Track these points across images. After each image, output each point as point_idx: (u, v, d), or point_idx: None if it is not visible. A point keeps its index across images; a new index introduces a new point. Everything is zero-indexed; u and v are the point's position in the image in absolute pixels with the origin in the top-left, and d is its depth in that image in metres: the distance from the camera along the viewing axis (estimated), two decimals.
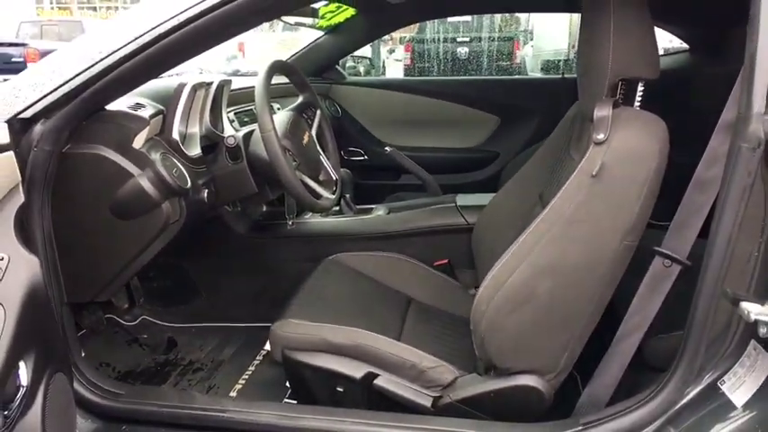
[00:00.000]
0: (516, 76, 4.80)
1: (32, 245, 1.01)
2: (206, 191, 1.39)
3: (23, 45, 9.17)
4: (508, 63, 7.53)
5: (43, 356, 0.90)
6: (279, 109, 2.08)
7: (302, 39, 2.67)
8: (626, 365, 1.10)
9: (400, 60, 8.52)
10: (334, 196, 1.55)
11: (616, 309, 1.10)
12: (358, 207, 1.96)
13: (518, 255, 1.06)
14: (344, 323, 1.29)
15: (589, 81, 1.10)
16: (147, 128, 1.21)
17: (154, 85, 1.43)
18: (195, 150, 1.43)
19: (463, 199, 1.82)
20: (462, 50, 7.75)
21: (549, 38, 8.47)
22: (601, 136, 0.99)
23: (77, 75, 1.08)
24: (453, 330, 1.45)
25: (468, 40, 7.81)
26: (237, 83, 1.84)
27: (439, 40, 7.72)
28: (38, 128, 1.11)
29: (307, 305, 1.39)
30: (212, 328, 1.85)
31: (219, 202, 1.49)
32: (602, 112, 1.01)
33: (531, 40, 8.65)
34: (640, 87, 1.08)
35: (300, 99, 1.62)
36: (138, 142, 1.21)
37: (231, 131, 1.64)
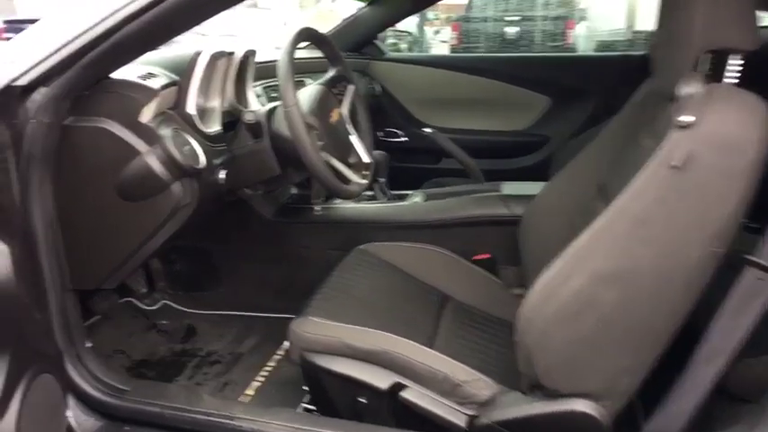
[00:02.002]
0: (570, 54, 4.48)
1: (4, 232, 0.90)
2: (223, 171, 1.26)
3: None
4: (560, 43, 7.19)
5: (17, 359, 0.79)
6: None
7: (342, 12, 2.51)
8: (703, 396, 0.92)
9: (446, 41, 8.26)
10: (364, 182, 1.40)
11: (694, 327, 0.92)
12: (393, 192, 1.81)
13: (575, 258, 0.89)
14: (371, 323, 1.15)
15: (670, 53, 0.92)
16: (156, 100, 1.09)
17: (171, 53, 1.30)
18: (214, 127, 1.30)
19: (509, 187, 1.64)
20: (512, 30, 7.44)
21: (605, 17, 8.05)
22: (687, 118, 0.80)
23: (76, 37, 0.96)
24: (493, 335, 1.29)
25: (518, 18, 7.49)
26: (268, 54, 1.70)
27: (488, 19, 7.43)
28: (35, 97, 1.00)
29: (330, 301, 1.25)
30: (233, 317, 1.74)
31: (238, 184, 1.36)
32: (690, 89, 0.82)
33: (585, 19, 8.25)
34: (735, 61, 0.89)
35: (331, 72, 1.47)
36: (147, 116, 1.09)
37: (257, 107, 1.51)
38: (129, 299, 1.70)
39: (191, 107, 1.21)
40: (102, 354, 1.50)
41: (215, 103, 1.34)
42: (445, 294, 1.42)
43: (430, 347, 1.14)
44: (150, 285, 1.74)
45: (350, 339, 1.10)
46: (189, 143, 1.14)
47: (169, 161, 1.08)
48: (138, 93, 1.08)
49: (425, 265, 1.47)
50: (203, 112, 1.32)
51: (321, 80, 1.43)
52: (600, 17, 8.16)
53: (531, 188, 1.55)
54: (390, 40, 3.22)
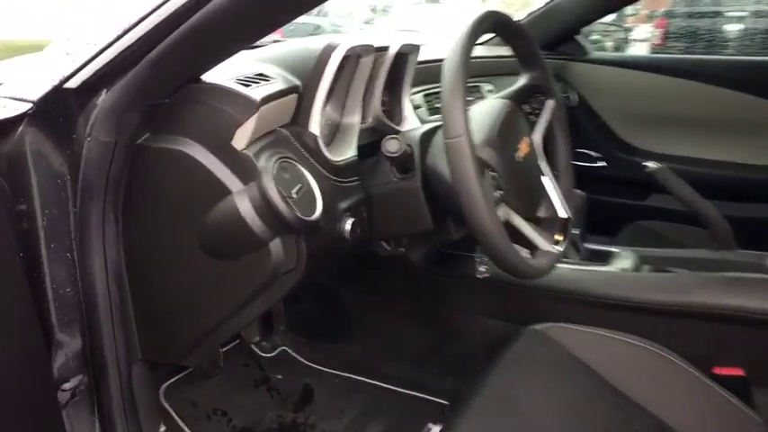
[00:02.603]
0: None
1: None
2: (350, 220, 0.87)
3: None
4: None
5: None
6: (490, 92, 1.49)
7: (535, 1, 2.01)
8: None
9: (643, 40, 7.20)
10: (558, 250, 0.91)
11: None
12: (588, 247, 1.31)
13: None
14: None
15: None
16: (256, 116, 0.73)
17: (301, 46, 0.95)
18: (347, 152, 0.92)
19: None
20: (734, 29, 6.22)
21: None
22: None
23: (140, 20, 0.63)
24: None
25: (744, 14, 6.23)
26: (436, 51, 1.28)
27: (704, 14, 6.29)
28: (93, 105, 0.70)
29: (486, 419, 0.82)
30: (361, 384, 1.38)
31: (372, 238, 0.97)
32: None
33: None
34: None
35: (523, 80, 1.00)
36: (242, 139, 0.73)
37: (414, 124, 1.11)
38: (243, 339, 1.42)
39: (314, 125, 0.84)
40: (197, 414, 1.23)
41: (353, 119, 0.96)
42: (664, 425, 0.91)
43: None
44: (268, 327, 1.44)
45: None
46: (303, 181, 0.77)
47: (267, 209, 0.72)
48: (232, 105, 0.73)
49: (636, 372, 0.96)
50: (335, 131, 0.95)
51: (507, 91, 0.97)
52: None
53: None
54: (595, 37, 2.58)
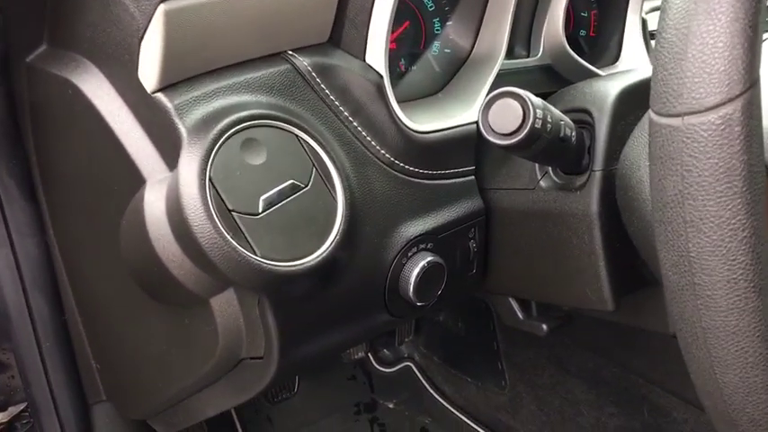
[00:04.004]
0: None
1: None
2: (423, 262, 0.40)
3: None
4: None
5: None
6: None
7: None
8: None
9: None
10: None
11: None
12: None
13: None
14: None
15: None
16: (159, 17, 0.31)
17: None
18: (454, 115, 0.44)
19: None
20: None
21: None
22: None
23: None
24: None
25: None
26: None
27: None
28: None
29: None
30: None
31: (487, 288, 0.48)
32: None
33: None
34: None
35: None
36: (150, 69, 0.33)
37: (638, 65, 0.58)
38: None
39: (375, 53, 0.39)
40: None
41: (495, 49, 0.47)
42: None
43: None
44: (391, 333, 1.05)
45: None
46: (304, 177, 0.34)
47: (184, 230, 0.31)
48: None
49: None
50: (455, 70, 0.48)
51: None
52: None
53: None
54: None
